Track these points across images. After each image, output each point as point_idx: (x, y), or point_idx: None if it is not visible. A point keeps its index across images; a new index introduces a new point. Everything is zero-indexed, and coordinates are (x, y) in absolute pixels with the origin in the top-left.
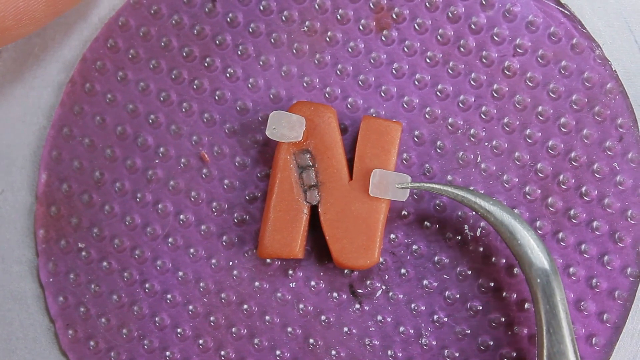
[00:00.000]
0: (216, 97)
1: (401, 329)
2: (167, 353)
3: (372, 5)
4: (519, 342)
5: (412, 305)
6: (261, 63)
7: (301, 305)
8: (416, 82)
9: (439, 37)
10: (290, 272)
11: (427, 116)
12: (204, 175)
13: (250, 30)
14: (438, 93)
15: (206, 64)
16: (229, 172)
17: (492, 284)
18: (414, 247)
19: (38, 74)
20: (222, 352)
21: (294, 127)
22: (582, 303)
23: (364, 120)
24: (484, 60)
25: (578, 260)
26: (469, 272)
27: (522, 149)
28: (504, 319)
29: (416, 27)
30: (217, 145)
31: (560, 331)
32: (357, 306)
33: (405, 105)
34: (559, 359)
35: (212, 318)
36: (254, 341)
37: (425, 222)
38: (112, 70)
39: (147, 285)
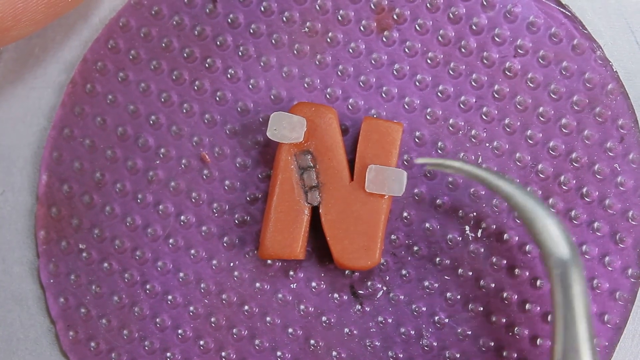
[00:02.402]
0: (217, 98)
1: (402, 329)
2: (168, 354)
3: (373, 6)
4: (520, 343)
5: (413, 306)
6: (262, 64)
7: (302, 306)
8: (417, 83)
9: (439, 37)
10: (291, 273)
11: (428, 117)
12: (204, 176)
13: (251, 31)
14: (439, 94)
15: (207, 65)
16: (230, 173)
17: (493, 285)
18: (415, 248)
19: (38, 74)
20: (223, 353)
21: (294, 128)
22: None
23: (364, 121)
24: (485, 61)
25: None
26: (470, 273)
27: (523, 150)
28: (505, 320)
29: (417, 27)
30: (218, 146)
31: (574, 326)
32: (358, 307)
33: (406, 106)
34: (572, 356)
35: (213, 319)
36: (255, 342)
37: (426, 223)
38: (113, 71)
39: (147, 286)
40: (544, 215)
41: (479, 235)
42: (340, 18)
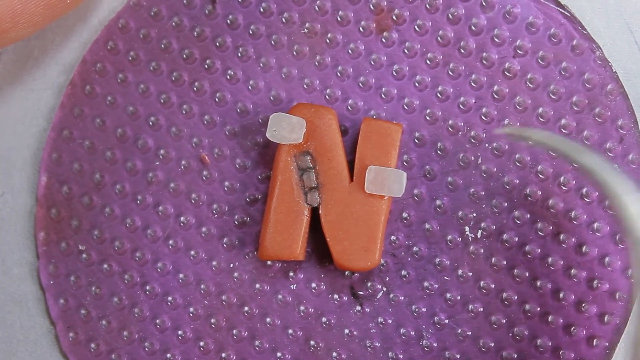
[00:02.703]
0: (216, 99)
1: (402, 330)
2: (168, 355)
3: (372, 7)
4: (520, 343)
5: (413, 307)
6: (261, 65)
7: (302, 307)
8: (416, 84)
9: (439, 38)
10: (291, 274)
11: (427, 117)
12: (204, 177)
13: (251, 32)
14: (438, 94)
15: (206, 66)
16: (230, 174)
17: (493, 286)
18: (415, 248)
19: (38, 76)
20: (223, 354)
21: (294, 129)
22: (583, 304)
23: (364, 122)
24: (485, 62)
25: (579, 261)
26: (470, 274)
27: (523, 151)
28: (505, 321)
29: (416, 28)
30: (218, 147)
31: None
32: (358, 308)
33: (405, 107)
34: None
35: (212, 320)
36: (255, 343)
37: (426, 224)
38: (112, 73)
39: (147, 288)
40: (626, 192)
41: (478, 236)
42: (339, 19)
